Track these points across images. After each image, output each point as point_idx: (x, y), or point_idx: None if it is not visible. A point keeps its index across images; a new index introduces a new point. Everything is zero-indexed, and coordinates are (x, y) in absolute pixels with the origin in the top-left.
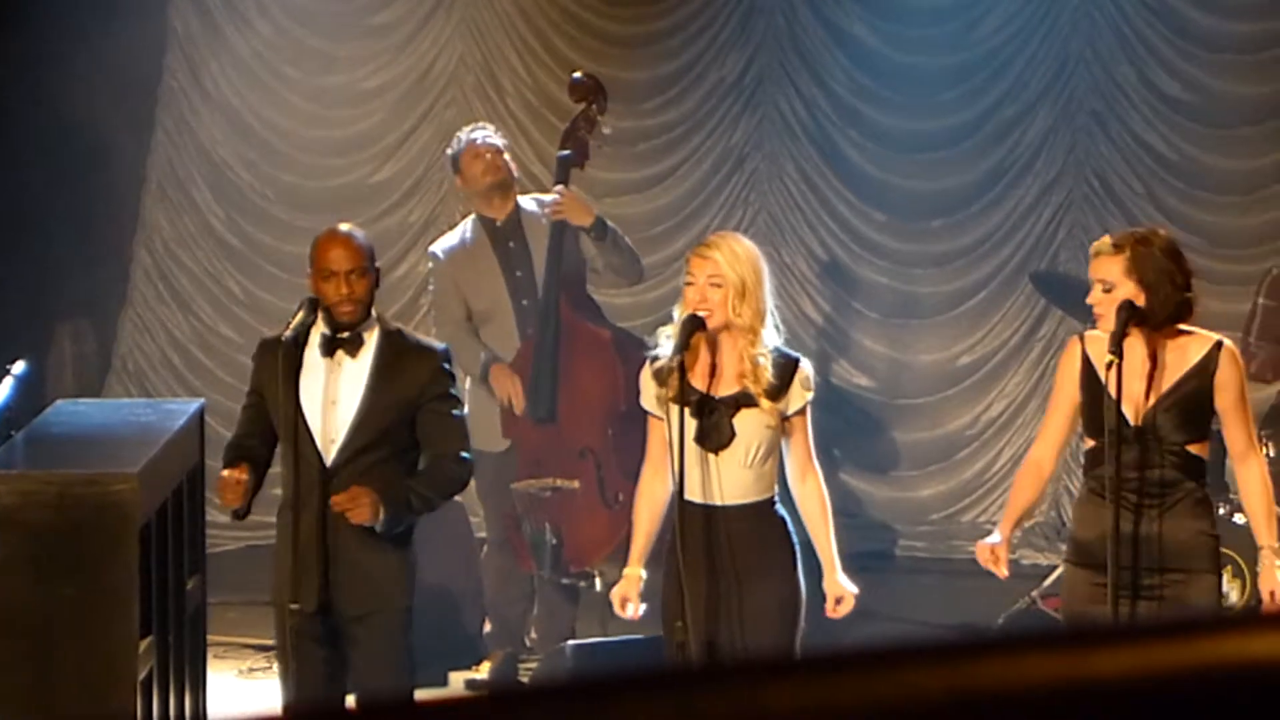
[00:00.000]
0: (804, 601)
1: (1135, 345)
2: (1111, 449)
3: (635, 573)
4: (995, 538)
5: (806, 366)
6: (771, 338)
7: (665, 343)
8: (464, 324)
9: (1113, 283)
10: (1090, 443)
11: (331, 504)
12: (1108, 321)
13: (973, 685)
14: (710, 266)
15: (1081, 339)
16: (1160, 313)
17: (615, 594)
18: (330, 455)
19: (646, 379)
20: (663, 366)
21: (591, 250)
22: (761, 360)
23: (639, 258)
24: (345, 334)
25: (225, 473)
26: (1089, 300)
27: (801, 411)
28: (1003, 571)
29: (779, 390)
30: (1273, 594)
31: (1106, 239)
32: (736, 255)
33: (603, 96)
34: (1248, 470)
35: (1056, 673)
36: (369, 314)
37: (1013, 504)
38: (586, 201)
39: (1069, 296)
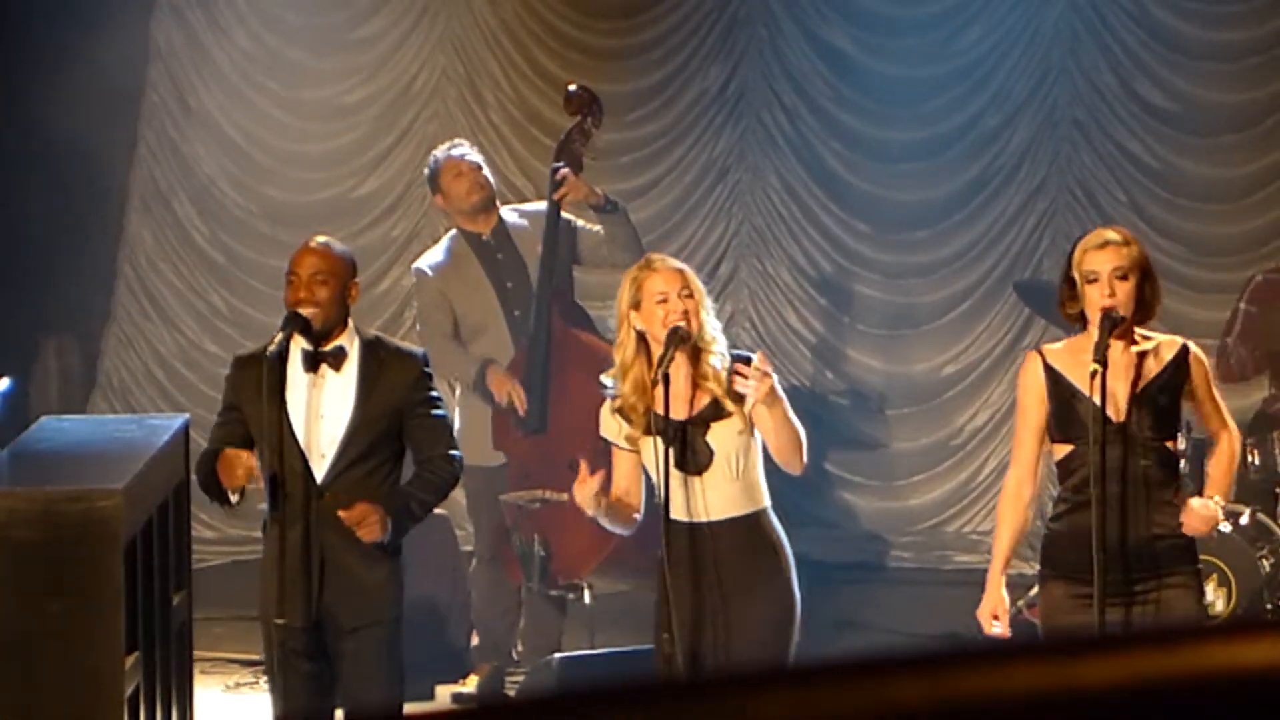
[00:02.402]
0: (798, 613)
1: (1113, 350)
2: (1092, 454)
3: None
4: (993, 602)
5: (757, 360)
6: (723, 343)
7: (614, 385)
8: (451, 337)
9: (1126, 270)
10: (1062, 451)
11: (343, 519)
12: (1125, 311)
13: (959, 695)
14: (680, 279)
15: (1040, 353)
16: (1155, 303)
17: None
18: (321, 470)
19: (607, 417)
20: (622, 405)
21: (591, 241)
22: (717, 363)
23: (640, 238)
24: (327, 348)
25: (230, 451)
26: (1100, 293)
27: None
28: (1006, 629)
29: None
30: (1196, 517)
31: (1108, 232)
32: (689, 268)
33: (598, 109)
34: (1221, 439)
35: (1042, 682)
36: (344, 324)
37: (1000, 543)
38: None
39: (1053, 306)
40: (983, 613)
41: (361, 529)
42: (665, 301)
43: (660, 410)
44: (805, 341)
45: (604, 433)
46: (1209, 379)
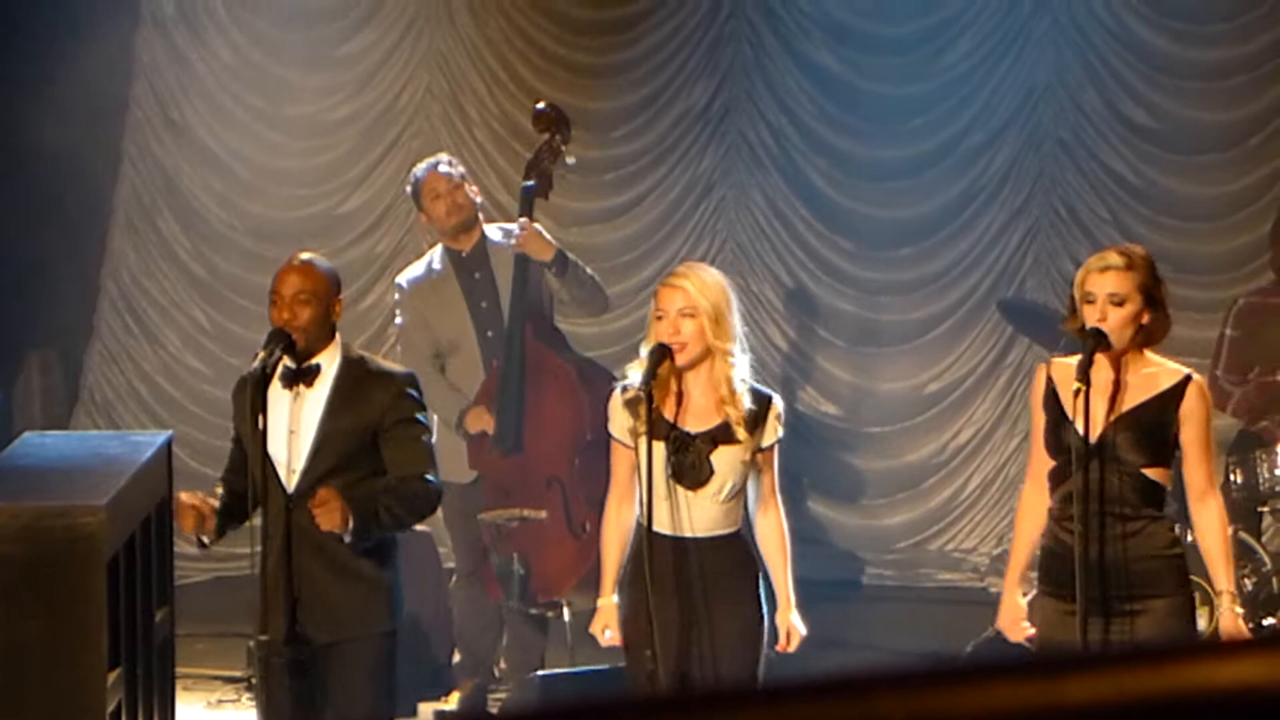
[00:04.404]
0: (767, 628)
1: (1103, 370)
2: (1076, 473)
3: (609, 603)
4: (1010, 612)
5: (779, 403)
6: (744, 368)
7: (636, 374)
8: (431, 361)
9: (1123, 297)
10: (1051, 465)
11: (309, 507)
12: (1118, 336)
13: (941, 714)
14: (681, 297)
15: (1048, 365)
16: (1160, 331)
17: (595, 626)
18: (292, 484)
19: (616, 407)
20: (634, 396)
21: (555, 284)
22: (739, 387)
23: (602, 288)
24: (304, 365)
25: (182, 495)
26: (1092, 316)
27: (772, 447)
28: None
29: (755, 424)
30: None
31: (1110, 254)
32: (706, 284)
33: (565, 127)
34: (1206, 512)
35: (1025, 701)
36: (329, 340)
37: (1014, 553)
38: (547, 236)
39: (1036, 323)
40: (1002, 622)
41: (320, 511)
42: (662, 318)
43: (663, 420)
44: (788, 358)
45: (610, 427)
46: (1206, 424)
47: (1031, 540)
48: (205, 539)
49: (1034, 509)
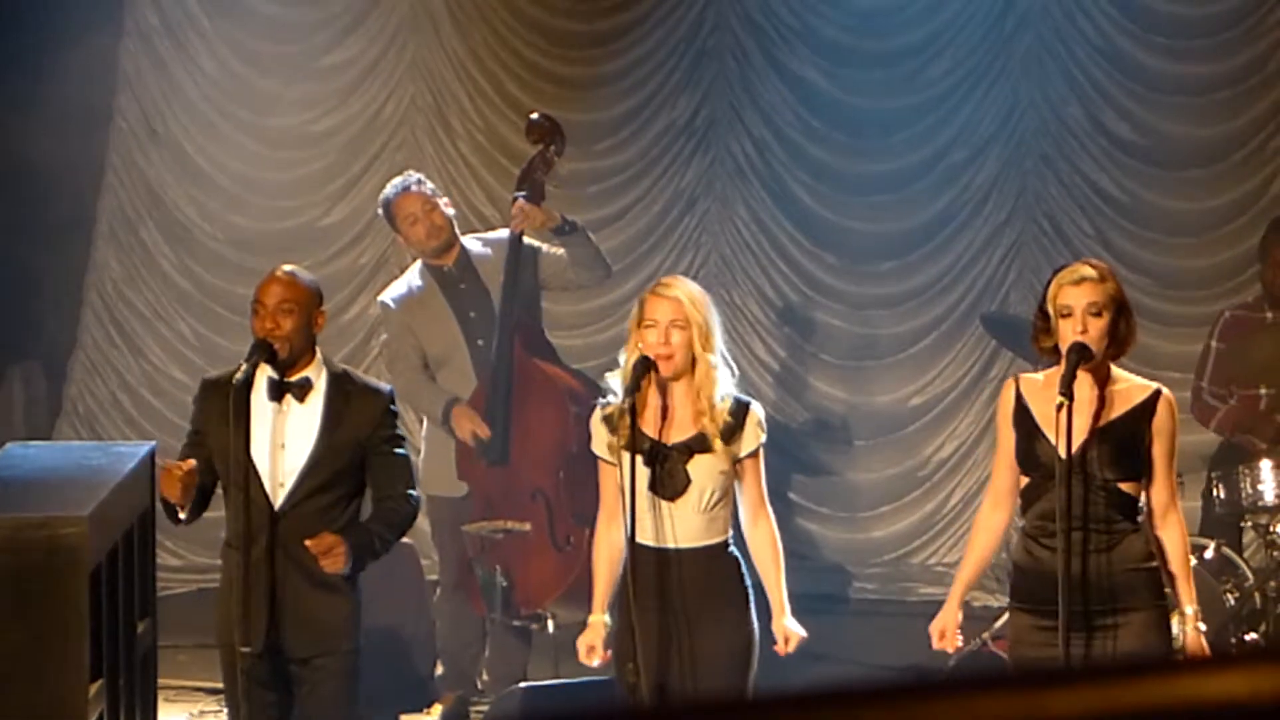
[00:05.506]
0: (757, 644)
1: (1081, 385)
2: (1053, 488)
3: (600, 620)
4: (944, 620)
5: (758, 410)
6: (726, 380)
7: (616, 388)
8: (421, 369)
9: (1101, 306)
10: (1024, 482)
11: (309, 547)
12: (1098, 347)
13: None
14: (674, 308)
15: (1016, 380)
16: (1130, 340)
17: (581, 642)
18: (279, 498)
19: (597, 425)
20: (613, 413)
21: (554, 266)
22: (719, 401)
23: (604, 256)
24: (293, 378)
25: (169, 462)
26: (1073, 329)
27: (754, 454)
28: (952, 646)
29: (733, 433)
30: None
31: (1084, 267)
32: (695, 297)
33: (560, 138)
34: (1169, 530)
35: (1008, 715)
36: (309, 353)
37: (963, 566)
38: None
39: (1020, 338)
40: (934, 627)
41: (326, 559)
42: (652, 327)
43: (641, 433)
44: (771, 372)
45: (593, 446)
46: (1174, 438)
47: (984, 558)
48: (182, 513)
49: (992, 527)
